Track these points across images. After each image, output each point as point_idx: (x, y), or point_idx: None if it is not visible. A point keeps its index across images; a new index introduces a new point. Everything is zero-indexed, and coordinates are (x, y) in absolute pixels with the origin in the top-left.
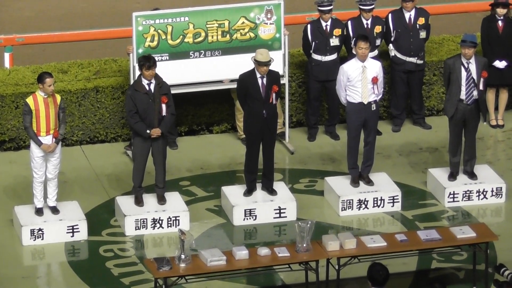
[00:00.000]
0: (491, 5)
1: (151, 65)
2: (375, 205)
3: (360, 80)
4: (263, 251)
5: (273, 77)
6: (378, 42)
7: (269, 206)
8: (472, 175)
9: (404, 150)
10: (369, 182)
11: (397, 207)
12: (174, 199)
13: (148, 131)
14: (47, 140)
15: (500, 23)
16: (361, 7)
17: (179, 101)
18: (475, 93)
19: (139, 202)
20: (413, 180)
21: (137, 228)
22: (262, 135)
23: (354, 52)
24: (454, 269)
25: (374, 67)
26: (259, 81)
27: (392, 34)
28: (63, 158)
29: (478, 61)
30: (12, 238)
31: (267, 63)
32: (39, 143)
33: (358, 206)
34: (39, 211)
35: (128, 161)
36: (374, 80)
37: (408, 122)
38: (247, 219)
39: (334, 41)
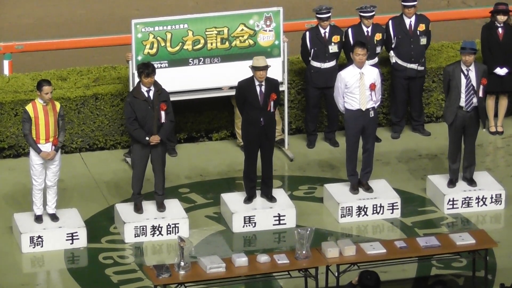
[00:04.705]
0: (491, 12)
1: (150, 73)
2: (375, 212)
3: (358, 86)
4: (263, 258)
5: (272, 85)
6: (378, 49)
7: (269, 213)
8: (471, 182)
9: (404, 157)
10: (369, 189)
11: (397, 214)
12: (174, 206)
13: (147, 138)
14: (47, 147)
15: (500, 30)
16: (361, 14)
17: (178, 108)
18: (474, 100)
19: (138, 209)
20: (412, 187)
21: (136, 235)
22: (260, 142)
23: (352, 58)
24: (454, 276)
25: (372, 74)
26: (258, 88)
27: (393, 41)
28: (62, 166)
29: (478, 68)
30: (12, 245)
31: (263, 68)
32: (38, 151)
33: (357, 213)
34: (38, 219)
35: (127, 168)
36: (372, 87)
37: (407, 128)
38: (246, 226)
39: (333, 48)
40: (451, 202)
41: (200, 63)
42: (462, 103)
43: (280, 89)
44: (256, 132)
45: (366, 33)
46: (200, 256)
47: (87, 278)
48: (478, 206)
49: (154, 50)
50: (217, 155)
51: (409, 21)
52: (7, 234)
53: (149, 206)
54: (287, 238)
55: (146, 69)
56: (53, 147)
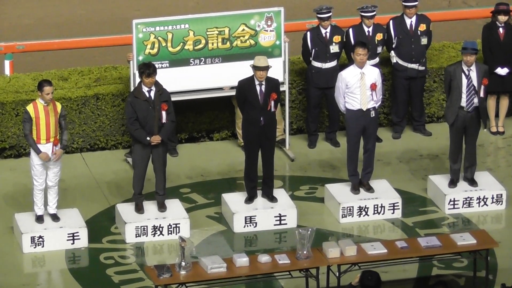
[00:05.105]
0: (492, 12)
1: (151, 73)
2: (376, 212)
3: (358, 86)
4: (264, 258)
5: (272, 84)
6: (379, 49)
7: (270, 213)
8: (472, 182)
9: (405, 157)
10: (370, 189)
11: (398, 214)
12: (175, 206)
13: (148, 138)
14: (47, 147)
15: (501, 30)
16: (362, 14)
17: (179, 108)
18: (475, 100)
19: (139, 209)
20: (413, 187)
21: (137, 235)
22: (260, 142)
23: (353, 58)
24: (455, 276)
25: (373, 74)
26: (258, 88)
27: (394, 41)
28: (63, 166)
29: (479, 68)
30: (13, 245)
31: (264, 68)
32: (38, 151)
33: (358, 213)
34: (39, 219)
35: (128, 168)
36: (373, 87)
37: (408, 129)
38: (247, 226)
39: (334, 48)
40: (452, 202)
41: (201, 63)
42: (463, 103)
43: (281, 89)
44: (256, 132)
45: (367, 33)
46: (201, 256)
47: (88, 278)
48: (479, 206)
49: (155, 50)
50: (218, 155)
51: (410, 21)
52: (8, 234)
53: (150, 206)
54: (288, 238)
55: (147, 69)
56: (55, 147)
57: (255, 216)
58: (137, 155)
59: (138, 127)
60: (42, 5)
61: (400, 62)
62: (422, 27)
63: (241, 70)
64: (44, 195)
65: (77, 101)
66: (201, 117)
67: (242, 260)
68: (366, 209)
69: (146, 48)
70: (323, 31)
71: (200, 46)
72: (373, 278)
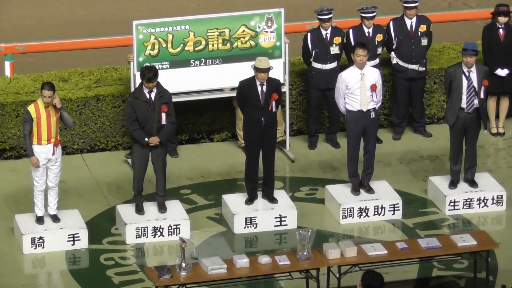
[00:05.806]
0: (492, 13)
1: (151, 77)
2: (376, 213)
3: (358, 87)
4: (264, 259)
5: (273, 85)
6: (379, 50)
7: (270, 214)
8: (472, 183)
9: (405, 158)
10: (370, 190)
11: (398, 215)
12: (175, 207)
13: (146, 139)
14: (48, 148)
15: (501, 31)
16: (362, 15)
17: (179, 109)
18: (476, 101)
19: (139, 210)
20: (413, 188)
21: (137, 236)
22: (261, 142)
23: (353, 59)
24: (455, 277)
25: (373, 75)
26: (259, 88)
27: (394, 42)
28: (64, 167)
29: (479, 69)
30: (13, 246)
31: (265, 70)
32: (31, 154)
33: (358, 214)
34: (39, 220)
35: (128, 170)
36: (373, 88)
37: (409, 130)
38: (247, 227)
39: (334, 49)
40: (452, 203)
41: (202, 64)
42: (464, 104)
43: (282, 90)
44: (257, 132)
45: (367, 34)
46: (201, 257)
47: (88, 279)
48: (479, 207)
49: (156, 51)
50: (219, 156)
51: (410, 22)
52: (9, 235)
53: (150, 207)
54: (289, 239)
55: (147, 73)
56: (56, 148)
57: (256, 217)
58: (136, 156)
59: (137, 128)
60: (42, 6)
61: (400, 63)
62: (423, 28)
63: (241, 71)
64: (45, 196)
65: (77, 102)
66: (201, 118)
67: (242, 261)
68: (366, 210)
69: (147, 49)
70: (323, 32)
71: (201, 47)
72: (378, 279)
